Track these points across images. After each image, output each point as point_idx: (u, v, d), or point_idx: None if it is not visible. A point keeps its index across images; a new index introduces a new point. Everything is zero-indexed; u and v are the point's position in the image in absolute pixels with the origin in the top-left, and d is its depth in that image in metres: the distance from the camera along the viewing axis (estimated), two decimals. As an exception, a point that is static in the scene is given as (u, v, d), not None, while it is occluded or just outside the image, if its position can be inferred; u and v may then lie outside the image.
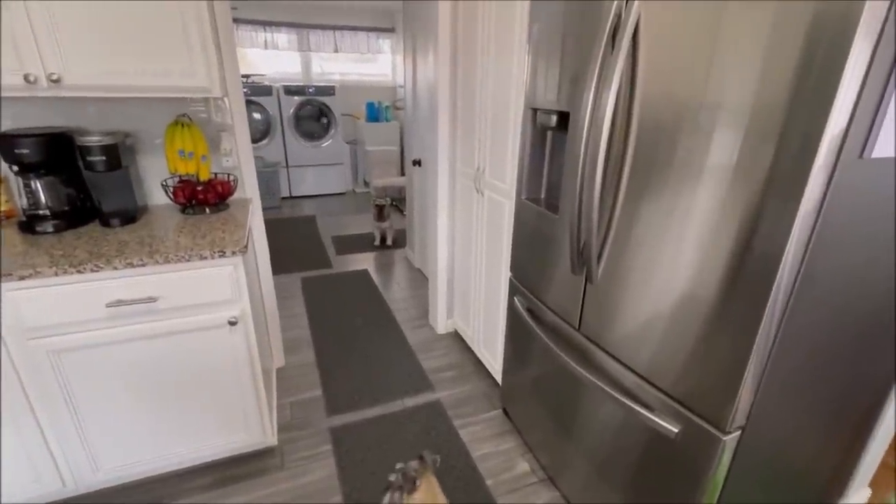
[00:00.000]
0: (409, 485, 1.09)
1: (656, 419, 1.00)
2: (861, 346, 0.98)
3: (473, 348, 2.19)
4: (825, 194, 0.72)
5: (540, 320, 1.44)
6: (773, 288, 0.76)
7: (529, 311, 1.49)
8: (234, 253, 1.28)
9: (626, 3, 0.93)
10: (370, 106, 5.35)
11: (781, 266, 0.75)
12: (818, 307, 0.85)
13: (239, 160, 1.77)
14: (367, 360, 2.17)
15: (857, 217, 0.78)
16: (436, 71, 1.99)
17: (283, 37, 5.14)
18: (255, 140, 4.69)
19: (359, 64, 5.64)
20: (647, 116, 0.94)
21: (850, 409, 1.13)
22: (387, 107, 5.46)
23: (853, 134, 0.69)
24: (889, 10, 0.62)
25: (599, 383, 1.15)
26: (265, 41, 5.07)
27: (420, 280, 3.09)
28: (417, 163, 2.82)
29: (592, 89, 1.01)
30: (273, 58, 5.21)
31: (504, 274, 1.76)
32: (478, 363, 2.16)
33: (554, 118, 1.25)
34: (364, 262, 3.40)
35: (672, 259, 0.93)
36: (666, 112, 0.89)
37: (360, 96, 5.56)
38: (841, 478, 1.32)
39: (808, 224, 0.73)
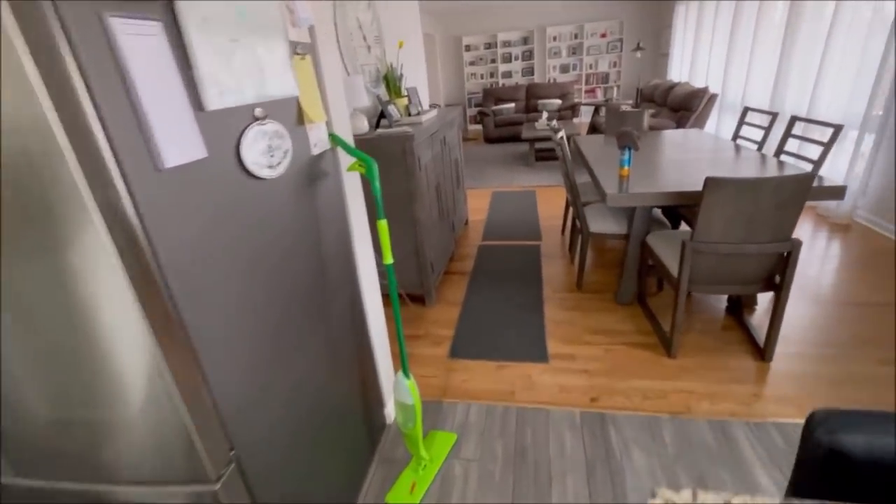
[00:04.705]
0: None
1: (154, 514, 0.81)
2: (287, 313, 1.11)
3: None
4: (136, 205, 0.64)
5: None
6: (174, 306, 0.67)
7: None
8: None
9: None
10: None
11: (160, 272, 0.65)
12: (226, 295, 0.84)
13: None
14: None
15: (192, 217, 0.77)
16: None
17: None
18: None
19: None
20: None
21: (345, 349, 1.34)
22: None
23: (140, 150, 0.63)
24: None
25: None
26: None
27: None
28: None
29: None
30: None
31: None
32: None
33: None
34: None
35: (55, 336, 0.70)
36: None
37: None
38: (375, 395, 1.61)
39: (136, 234, 0.65)
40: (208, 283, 0.78)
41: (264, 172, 0.94)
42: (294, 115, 1.08)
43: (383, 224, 1.26)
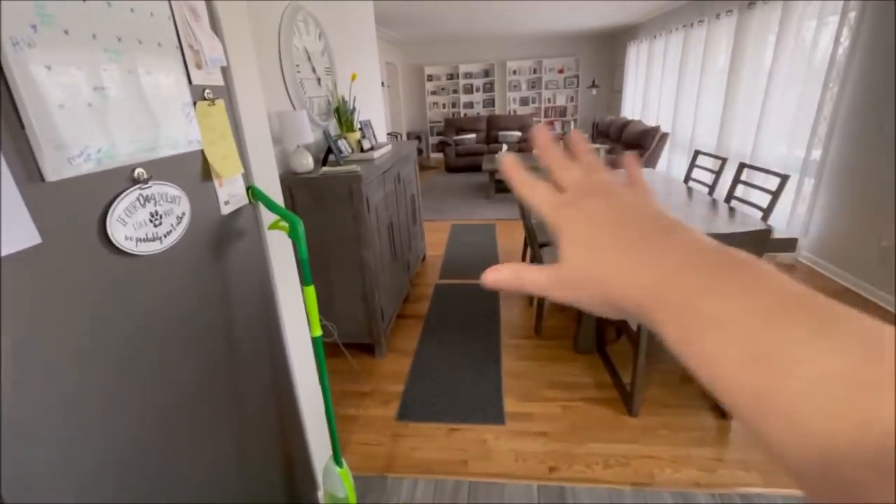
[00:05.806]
0: None
1: None
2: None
3: None
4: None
5: None
6: None
7: None
8: None
9: None
10: None
11: None
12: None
13: None
14: None
15: (16, 325, 0.58)
16: None
17: None
18: None
19: None
20: None
21: (264, 434, 1.13)
22: None
23: None
24: None
25: None
26: None
27: None
28: None
29: None
30: None
31: None
32: None
33: None
34: None
35: None
36: None
37: None
38: (305, 478, 1.40)
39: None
40: (35, 414, 0.59)
41: (144, 248, 0.75)
42: (197, 170, 0.91)
43: (310, 291, 1.09)
